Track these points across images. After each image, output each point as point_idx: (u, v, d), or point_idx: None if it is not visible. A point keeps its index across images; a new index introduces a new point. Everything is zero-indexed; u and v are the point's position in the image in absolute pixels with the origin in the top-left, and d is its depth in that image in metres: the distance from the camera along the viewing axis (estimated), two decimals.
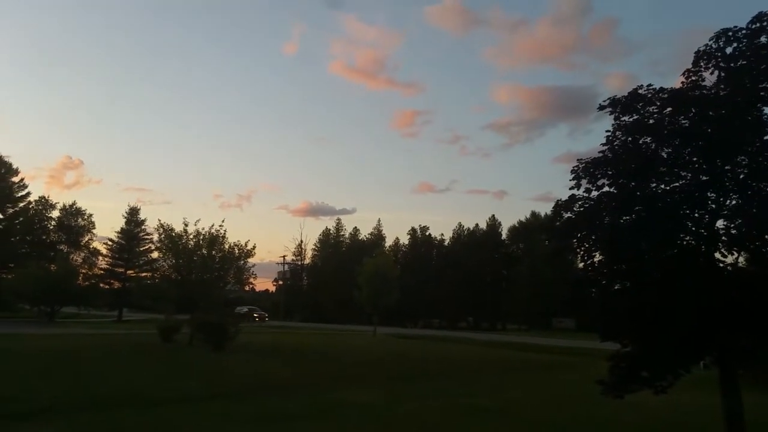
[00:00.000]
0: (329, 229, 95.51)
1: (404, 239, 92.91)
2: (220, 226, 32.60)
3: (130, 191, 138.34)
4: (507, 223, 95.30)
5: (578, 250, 13.67)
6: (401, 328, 59.97)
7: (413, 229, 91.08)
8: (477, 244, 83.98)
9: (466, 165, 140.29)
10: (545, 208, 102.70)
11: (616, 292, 13.89)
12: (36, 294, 46.29)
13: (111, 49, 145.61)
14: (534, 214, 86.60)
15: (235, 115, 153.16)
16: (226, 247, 33.89)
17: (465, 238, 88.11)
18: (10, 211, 59.54)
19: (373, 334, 42.48)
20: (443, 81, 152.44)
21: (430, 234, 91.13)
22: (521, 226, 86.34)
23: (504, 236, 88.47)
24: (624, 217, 13.81)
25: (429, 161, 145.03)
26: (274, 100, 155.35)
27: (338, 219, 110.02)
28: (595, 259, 15.64)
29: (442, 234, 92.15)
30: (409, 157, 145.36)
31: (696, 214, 13.64)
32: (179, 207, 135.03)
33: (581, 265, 14.18)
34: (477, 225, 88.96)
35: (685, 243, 13.71)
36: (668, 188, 14.67)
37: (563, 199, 13.77)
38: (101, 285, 60.26)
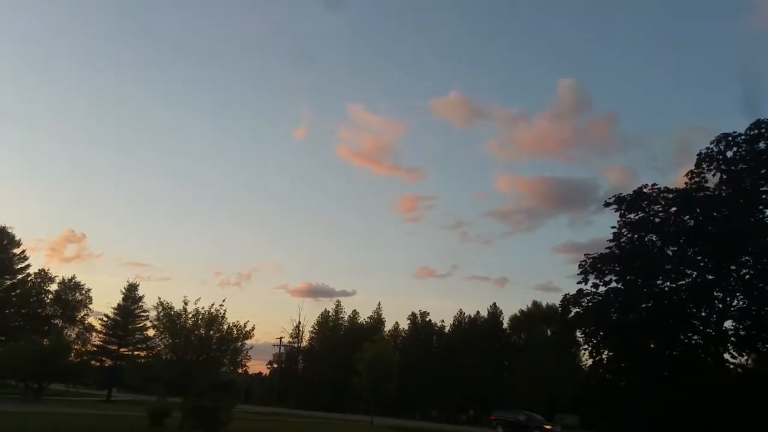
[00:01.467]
0: (328, 311, 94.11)
1: (404, 324, 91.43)
2: (220, 305, 32.15)
3: (130, 266, 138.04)
4: (508, 311, 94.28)
5: (586, 345, 13.49)
6: (398, 418, 57.74)
7: (413, 314, 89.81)
8: (478, 333, 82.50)
9: (467, 251, 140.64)
10: (546, 298, 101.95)
11: (625, 390, 13.55)
12: (25, 369, 44.98)
13: (119, 128, 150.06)
14: (536, 304, 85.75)
15: (239, 194, 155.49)
16: (225, 327, 33.29)
17: (466, 326, 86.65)
18: (8, 282, 59.08)
19: (370, 424, 40.90)
20: (446, 168, 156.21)
21: (430, 320, 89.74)
22: (523, 315, 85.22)
23: (505, 325, 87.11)
24: (631, 314, 13.72)
25: (430, 246, 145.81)
26: (279, 181, 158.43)
27: (338, 301, 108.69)
28: (603, 356, 15.32)
29: (443, 320, 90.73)
30: (410, 242, 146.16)
31: (703, 313, 13.55)
32: (178, 284, 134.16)
33: (590, 361, 13.96)
34: (478, 312, 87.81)
35: (693, 342, 13.53)
36: (674, 286, 14.68)
37: (570, 293, 13.78)
38: (92, 362, 58.72)
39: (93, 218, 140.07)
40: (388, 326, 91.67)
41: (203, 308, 32.42)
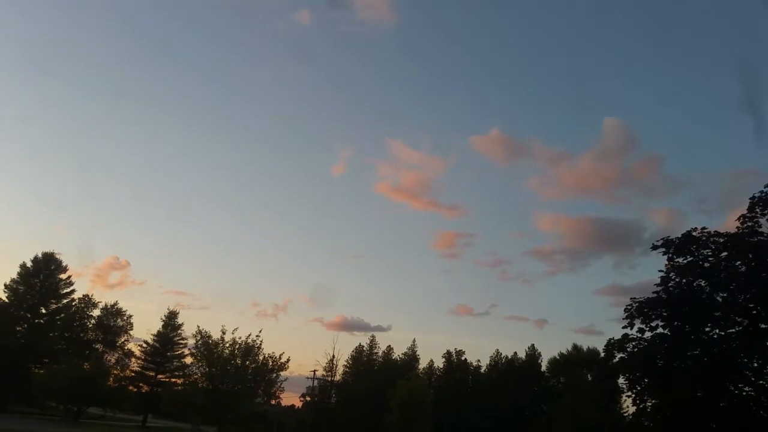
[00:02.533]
0: (362, 346, 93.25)
1: (438, 362, 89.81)
2: (257, 336, 32.47)
3: (171, 294, 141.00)
4: (547, 353, 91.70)
5: (630, 392, 13.05)
6: None
7: (448, 353, 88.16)
8: (515, 374, 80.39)
9: (506, 290, 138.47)
10: (588, 341, 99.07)
11: None
12: (65, 392, 46.02)
13: (167, 167, 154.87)
14: (576, 347, 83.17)
15: (279, 228, 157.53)
16: (261, 358, 33.51)
17: (503, 366, 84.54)
18: (53, 306, 60.86)
19: None
20: (486, 206, 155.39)
21: (465, 359, 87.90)
22: (562, 358, 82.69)
23: (544, 368, 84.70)
24: (678, 361, 13.24)
25: (468, 284, 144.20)
26: (319, 216, 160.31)
27: (372, 336, 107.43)
28: (648, 404, 14.75)
29: (479, 360, 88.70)
30: (448, 279, 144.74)
31: (755, 364, 12.97)
32: (217, 313, 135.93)
33: (632, 409, 13.50)
34: (516, 353, 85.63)
35: (744, 393, 12.98)
36: (724, 334, 14.14)
37: (614, 338, 13.41)
38: (130, 387, 59.65)
39: (137, 247, 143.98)
40: (423, 363, 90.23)
41: (240, 338, 32.88)
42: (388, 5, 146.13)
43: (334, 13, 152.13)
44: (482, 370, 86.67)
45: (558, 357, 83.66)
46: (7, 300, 58.89)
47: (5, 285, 59.20)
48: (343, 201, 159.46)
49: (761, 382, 13.24)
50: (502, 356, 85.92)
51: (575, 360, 78.85)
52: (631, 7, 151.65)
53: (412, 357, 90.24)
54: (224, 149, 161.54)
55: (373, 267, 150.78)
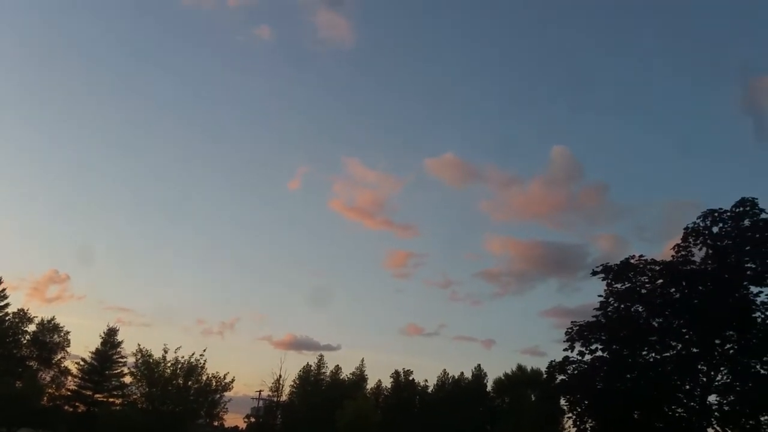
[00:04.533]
0: (310, 365, 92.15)
1: (387, 381, 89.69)
2: (200, 355, 31.70)
3: (112, 310, 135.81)
4: (494, 373, 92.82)
5: (571, 413, 13.43)
6: None
7: (396, 372, 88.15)
8: (462, 394, 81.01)
9: (455, 310, 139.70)
10: (532, 362, 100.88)
11: None
12: None
13: (109, 169, 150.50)
14: (520, 368, 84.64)
15: (227, 242, 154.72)
16: (204, 378, 32.70)
17: (450, 386, 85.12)
18: None
19: None
20: (438, 227, 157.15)
21: (413, 379, 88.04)
22: (507, 378, 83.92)
23: (489, 388, 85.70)
24: (617, 384, 13.75)
25: (419, 304, 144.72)
26: (269, 232, 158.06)
27: (320, 355, 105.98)
28: (588, 425, 15.22)
29: (426, 380, 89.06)
30: (399, 298, 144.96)
31: (687, 386, 13.59)
32: (160, 330, 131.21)
33: (574, 430, 13.94)
34: (462, 374, 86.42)
35: (677, 414, 13.52)
36: (660, 357, 14.78)
37: (556, 360, 13.84)
38: (66, 407, 56.93)
39: (77, 260, 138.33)
40: (371, 383, 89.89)
41: (183, 357, 31.93)
42: (350, 25, 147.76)
43: (296, 30, 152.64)
44: (430, 390, 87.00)
45: (503, 377, 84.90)
46: None
47: None
48: (297, 217, 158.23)
49: (692, 404, 13.89)
50: (449, 376, 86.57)
51: (520, 380, 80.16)
52: (580, 29, 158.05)
53: (360, 377, 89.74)
54: (175, 159, 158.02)
55: (324, 285, 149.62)
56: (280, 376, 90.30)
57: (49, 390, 55.14)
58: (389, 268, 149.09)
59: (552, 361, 14.35)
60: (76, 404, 57.96)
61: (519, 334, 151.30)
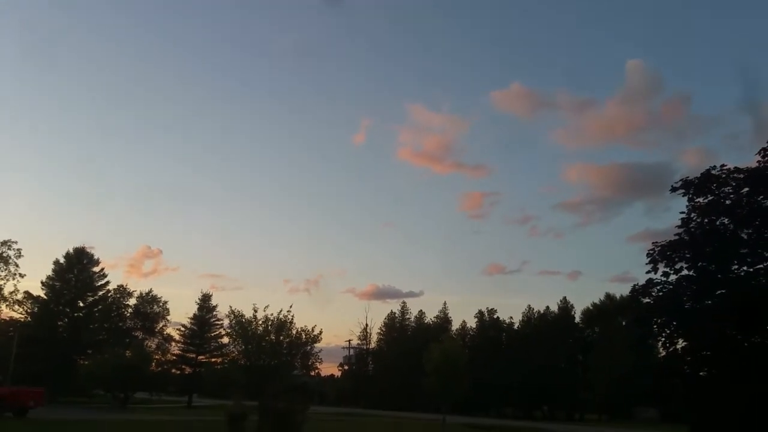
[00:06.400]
0: (394, 313, 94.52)
1: (471, 322, 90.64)
2: (288, 311, 33.02)
3: (205, 278, 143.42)
4: (580, 305, 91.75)
5: (659, 336, 12.96)
6: (471, 417, 57.23)
7: (480, 312, 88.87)
8: (549, 328, 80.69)
9: (537, 246, 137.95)
10: (622, 290, 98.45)
11: (703, 381, 12.93)
12: (110, 380, 47.67)
13: (191, 148, 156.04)
14: (609, 296, 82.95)
15: (304, 203, 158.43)
16: (294, 332, 34.15)
17: (536, 321, 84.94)
18: (90, 299, 62.62)
19: (442, 423, 40.77)
20: (511, 162, 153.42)
21: (498, 317, 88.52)
22: (596, 308, 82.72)
23: (578, 319, 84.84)
24: (705, 302, 13.09)
25: (498, 243, 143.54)
26: (342, 188, 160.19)
27: (403, 302, 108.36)
28: (678, 346, 14.67)
29: (511, 317, 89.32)
30: (477, 239, 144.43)
31: None
32: (250, 293, 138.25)
33: (663, 352, 13.49)
34: (548, 308, 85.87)
35: None
36: (751, 270, 13.91)
37: (640, 283, 13.27)
38: (173, 371, 61.49)
39: (168, 234, 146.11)
40: (456, 325, 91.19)
41: (272, 315, 33.42)
42: None
43: None
44: (516, 327, 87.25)
45: (591, 307, 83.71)
46: (45, 297, 60.75)
47: (42, 282, 61.01)
48: (365, 170, 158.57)
49: None
50: (535, 311, 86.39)
51: (609, 309, 78.78)
52: None
53: (444, 320, 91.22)
54: (244, 129, 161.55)
55: (401, 234, 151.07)
56: (367, 325, 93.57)
57: (156, 356, 59.46)
58: (464, 210, 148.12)
59: (635, 284, 13.82)
60: (183, 367, 62.40)
61: (606, 263, 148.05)
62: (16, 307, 63.05)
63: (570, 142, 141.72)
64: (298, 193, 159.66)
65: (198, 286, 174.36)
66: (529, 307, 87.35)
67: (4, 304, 63.61)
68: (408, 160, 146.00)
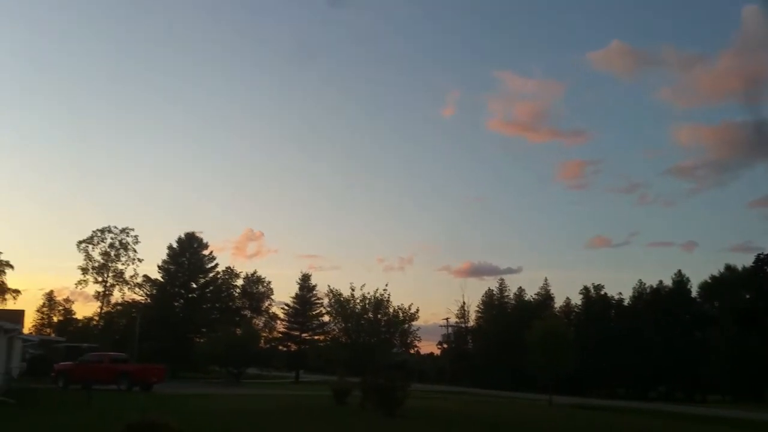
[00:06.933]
0: (492, 290, 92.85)
1: (575, 299, 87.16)
2: (384, 290, 33.02)
3: (303, 258, 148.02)
4: (697, 278, 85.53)
5: None
6: (578, 397, 55.06)
7: (585, 288, 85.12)
8: (662, 304, 75.83)
9: (646, 215, 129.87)
10: (744, 260, 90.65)
11: None
12: (223, 356, 50.32)
13: (285, 132, 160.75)
14: (729, 268, 76.42)
15: (394, 181, 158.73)
16: (391, 311, 34.20)
17: (648, 297, 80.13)
18: (202, 281, 66.50)
19: (549, 403, 39.35)
20: (613, 127, 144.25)
21: (605, 293, 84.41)
22: (714, 281, 76.60)
23: (694, 293, 79.07)
24: None
25: (602, 213, 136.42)
26: (432, 163, 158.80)
27: (501, 279, 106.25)
28: None
29: (620, 293, 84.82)
30: (577, 211, 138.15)
31: None
32: (346, 272, 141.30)
33: None
34: (661, 282, 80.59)
35: None
36: None
37: (765, 252, 11.48)
38: (279, 347, 64.12)
39: (269, 217, 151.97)
40: (559, 302, 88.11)
41: (369, 293, 33.67)
42: None
43: None
44: (625, 303, 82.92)
45: (709, 280, 77.68)
46: (162, 279, 65.16)
47: (158, 266, 65.49)
48: (455, 143, 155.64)
49: None
50: (647, 286, 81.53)
51: (730, 281, 72.71)
52: None
53: (546, 296, 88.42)
54: (331, 105, 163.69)
55: (496, 208, 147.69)
56: (464, 303, 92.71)
57: (264, 334, 62.21)
58: (562, 181, 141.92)
59: (759, 254, 12.00)
60: (288, 344, 64.89)
61: (725, 232, 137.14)
62: (137, 289, 68.28)
63: (678, 101, 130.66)
64: (389, 171, 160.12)
65: (297, 266, 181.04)
66: (640, 281, 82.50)
67: (126, 288, 69.20)
68: (499, 130, 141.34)
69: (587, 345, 64.63)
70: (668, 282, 79.28)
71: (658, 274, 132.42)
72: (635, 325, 74.52)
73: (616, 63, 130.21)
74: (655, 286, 80.00)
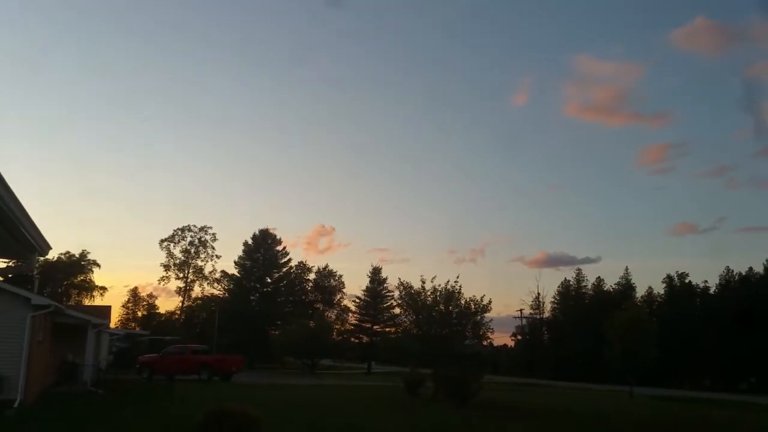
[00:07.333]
0: (568, 281, 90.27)
1: (658, 288, 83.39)
2: (455, 281, 32.70)
3: (373, 252, 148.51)
4: None
5: None
6: (660, 388, 52.64)
7: (669, 277, 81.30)
8: (753, 293, 71.28)
9: (735, 199, 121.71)
10: None
11: None
12: (297, 348, 51.55)
13: (354, 128, 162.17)
14: None
15: (466, 171, 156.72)
16: (462, 302, 33.83)
17: (736, 285, 75.58)
18: (276, 275, 68.34)
19: (630, 395, 37.84)
20: (698, 108, 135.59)
21: (690, 281, 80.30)
22: None
23: None
24: None
25: (687, 199, 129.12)
26: (504, 152, 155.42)
27: (578, 269, 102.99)
28: None
29: (706, 281, 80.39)
30: (660, 197, 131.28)
31: None
32: (416, 264, 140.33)
33: None
34: (751, 269, 75.85)
35: None
36: None
37: None
38: (352, 339, 64.99)
39: (339, 212, 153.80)
40: (640, 292, 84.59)
41: (440, 285, 33.44)
42: None
43: None
44: (711, 291, 78.56)
45: None
46: (238, 274, 67.47)
47: (234, 262, 67.86)
48: (529, 130, 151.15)
49: None
50: (735, 273, 76.90)
51: None
52: None
53: (626, 286, 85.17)
54: (396, 94, 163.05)
55: (572, 196, 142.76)
56: (539, 294, 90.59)
57: (336, 326, 63.26)
58: (644, 166, 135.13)
59: None
60: (360, 336, 65.65)
61: None
62: (216, 284, 71.04)
63: None
64: (460, 161, 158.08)
65: (368, 260, 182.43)
66: (727, 268, 77.99)
67: (206, 283, 72.12)
68: (576, 115, 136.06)
69: (670, 335, 61.73)
70: (759, 269, 74.52)
71: (750, 261, 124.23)
72: (722, 314, 70.52)
73: (700, 40, 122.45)
74: (744, 274, 75.36)
